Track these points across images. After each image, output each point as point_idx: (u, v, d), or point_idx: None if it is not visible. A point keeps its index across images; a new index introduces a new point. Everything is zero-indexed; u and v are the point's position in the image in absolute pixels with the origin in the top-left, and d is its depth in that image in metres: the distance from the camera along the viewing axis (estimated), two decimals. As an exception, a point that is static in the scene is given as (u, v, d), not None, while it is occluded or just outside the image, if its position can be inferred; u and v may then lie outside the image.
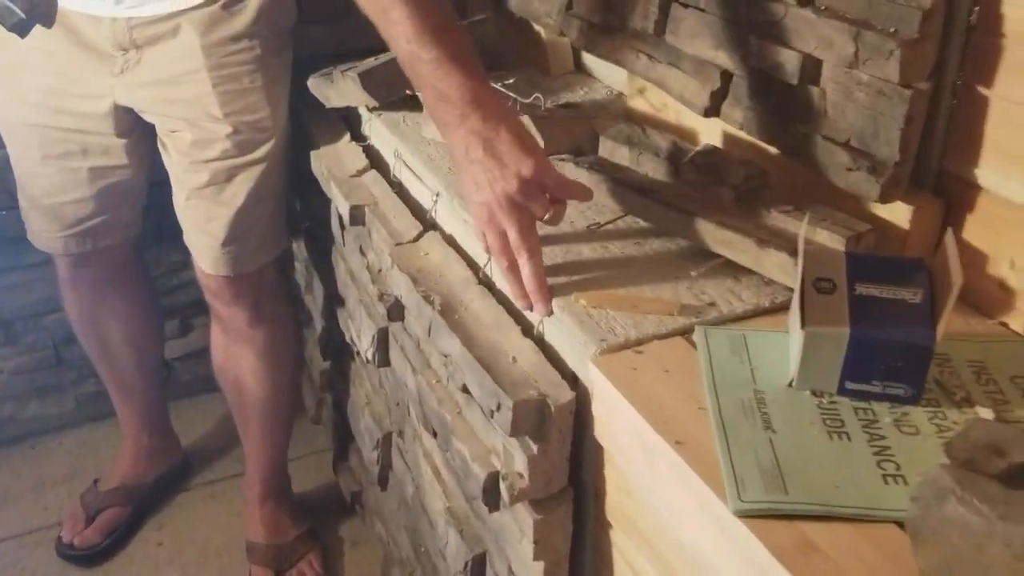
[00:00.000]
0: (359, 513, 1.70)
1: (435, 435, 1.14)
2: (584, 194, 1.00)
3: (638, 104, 1.33)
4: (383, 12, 1.00)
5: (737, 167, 1.00)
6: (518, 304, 0.99)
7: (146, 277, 1.69)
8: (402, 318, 1.20)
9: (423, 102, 1.04)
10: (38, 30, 1.28)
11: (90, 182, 1.42)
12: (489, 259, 1.07)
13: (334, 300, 1.57)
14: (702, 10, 1.12)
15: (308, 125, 1.52)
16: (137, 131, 1.40)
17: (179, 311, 1.92)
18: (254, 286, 1.47)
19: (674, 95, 1.19)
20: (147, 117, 1.38)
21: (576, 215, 1.09)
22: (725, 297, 0.94)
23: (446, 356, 1.02)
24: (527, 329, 0.98)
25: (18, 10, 0.98)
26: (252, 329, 1.52)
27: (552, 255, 1.02)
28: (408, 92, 1.31)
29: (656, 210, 1.01)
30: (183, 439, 1.88)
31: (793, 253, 0.90)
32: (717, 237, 0.95)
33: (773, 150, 1.08)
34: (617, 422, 0.84)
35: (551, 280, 0.97)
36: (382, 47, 1.44)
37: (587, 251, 1.03)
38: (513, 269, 0.96)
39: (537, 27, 1.54)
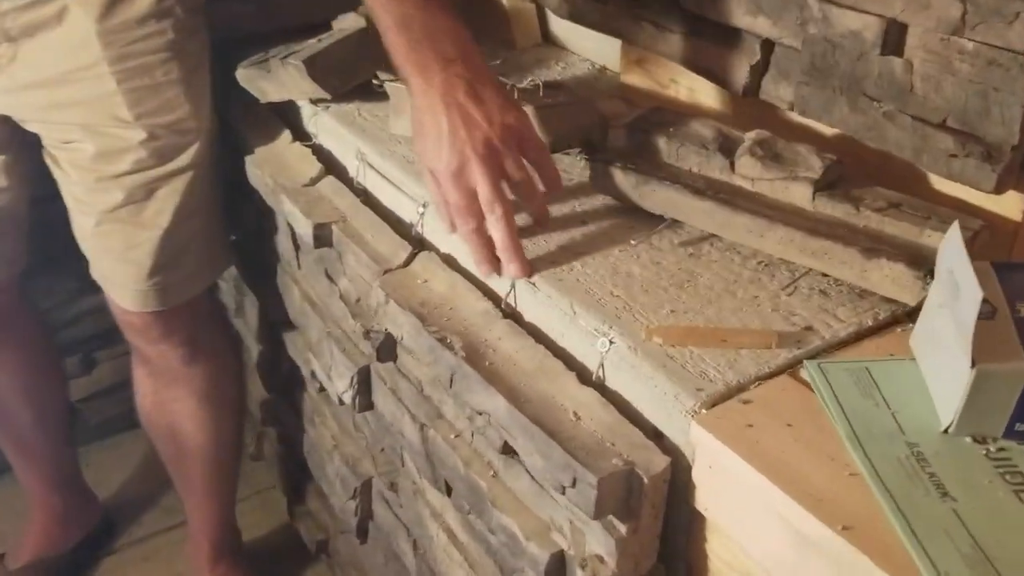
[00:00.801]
0: (325, 562, 1.49)
1: (448, 493, 0.95)
2: (556, 183, 0.89)
3: (636, 80, 1.16)
4: None
5: (811, 157, 0.84)
6: (480, 271, 0.88)
7: (36, 316, 1.42)
8: (394, 358, 1.00)
9: (392, 49, 0.87)
10: None
11: None
12: (514, 285, 0.88)
13: (278, 324, 1.35)
14: (731, -30, 0.95)
15: (232, 121, 1.28)
16: (15, 144, 1.13)
17: (79, 345, 1.64)
18: (187, 318, 1.23)
19: (697, 70, 1.02)
20: (30, 127, 1.11)
21: (611, 225, 0.91)
22: (820, 318, 0.78)
23: (479, 413, 0.83)
24: (583, 375, 0.80)
25: None
26: (188, 367, 1.28)
27: (598, 275, 0.84)
28: (375, 81, 1.09)
29: (720, 215, 0.84)
30: (100, 491, 1.62)
31: (911, 263, 0.75)
32: (807, 247, 0.79)
33: (828, 132, 0.94)
34: (738, 494, 0.68)
35: (600, 302, 0.80)
36: (321, 22, 1.24)
37: (637, 269, 0.85)
38: (480, 232, 0.85)
39: (496, -6, 1.34)
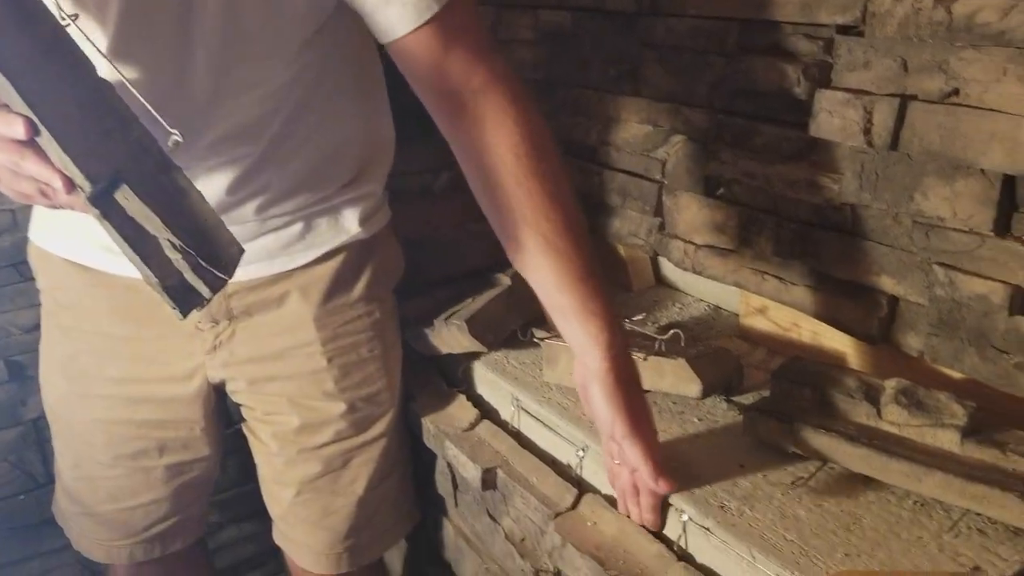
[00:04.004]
0: None
1: None
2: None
3: (758, 323, 1.27)
4: (551, 242, 0.96)
5: (953, 406, 0.94)
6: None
7: (209, 564, 1.47)
8: (563, 594, 1.07)
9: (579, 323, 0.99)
10: (106, 314, 1.14)
11: (165, 482, 1.21)
12: (685, 528, 0.96)
13: (426, 561, 1.42)
14: (852, 234, 1.08)
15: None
16: (218, 414, 1.22)
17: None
18: (365, 573, 1.28)
19: (823, 320, 1.14)
20: (238, 398, 1.19)
21: (768, 468, 1.00)
22: (983, 557, 0.85)
23: (668, 654, 0.89)
24: (770, 616, 0.87)
25: (204, 287, 0.78)
26: None
27: (767, 519, 0.92)
28: (535, 337, 1.22)
29: (877, 461, 0.92)
30: None
31: (1069, 507, 0.82)
32: (966, 491, 0.87)
33: (956, 376, 1.03)
34: None
35: (776, 547, 0.88)
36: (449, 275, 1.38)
37: (802, 512, 0.93)
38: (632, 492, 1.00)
39: (614, 244, 1.48)
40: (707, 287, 1.41)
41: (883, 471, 0.93)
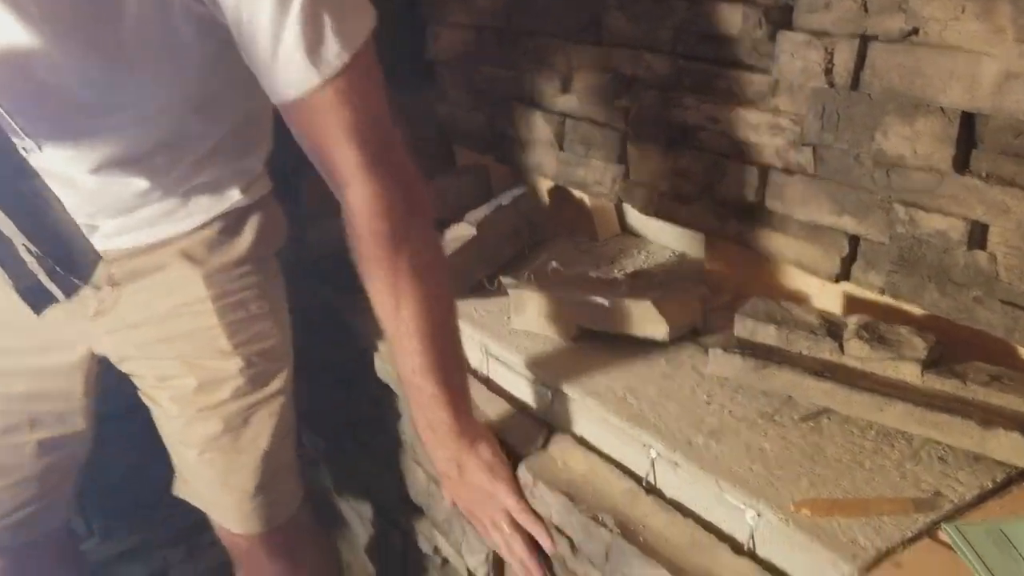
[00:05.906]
0: None
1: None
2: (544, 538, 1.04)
3: (720, 267, 1.29)
4: (396, 335, 0.99)
5: (914, 339, 0.96)
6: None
7: (79, 555, 1.45)
8: (533, 534, 1.08)
9: (411, 411, 1.07)
10: None
11: (36, 458, 1.18)
12: (654, 464, 0.98)
13: (396, 504, 1.43)
14: (813, 176, 1.10)
15: (345, 317, 1.40)
16: (99, 388, 1.20)
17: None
18: (291, 533, 1.28)
19: (787, 260, 1.15)
20: (128, 366, 1.18)
21: (734, 404, 1.02)
22: (944, 483, 0.88)
23: (639, 585, 0.91)
24: (736, 546, 0.89)
25: (58, 291, 0.80)
26: None
27: (734, 453, 0.94)
28: (503, 283, 1.22)
29: (840, 394, 0.95)
30: None
31: (1025, 432, 0.85)
32: (926, 419, 0.90)
33: (916, 311, 1.06)
34: (905, 652, 0.76)
35: (743, 478, 0.90)
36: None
37: (767, 445, 0.95)
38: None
39: (579, 194, 1.49)
40: (672, 234, 1.42)
41: (846, 403, 0.95)
